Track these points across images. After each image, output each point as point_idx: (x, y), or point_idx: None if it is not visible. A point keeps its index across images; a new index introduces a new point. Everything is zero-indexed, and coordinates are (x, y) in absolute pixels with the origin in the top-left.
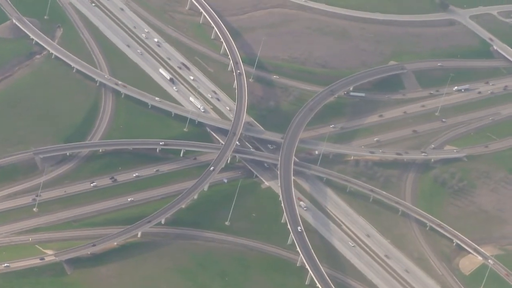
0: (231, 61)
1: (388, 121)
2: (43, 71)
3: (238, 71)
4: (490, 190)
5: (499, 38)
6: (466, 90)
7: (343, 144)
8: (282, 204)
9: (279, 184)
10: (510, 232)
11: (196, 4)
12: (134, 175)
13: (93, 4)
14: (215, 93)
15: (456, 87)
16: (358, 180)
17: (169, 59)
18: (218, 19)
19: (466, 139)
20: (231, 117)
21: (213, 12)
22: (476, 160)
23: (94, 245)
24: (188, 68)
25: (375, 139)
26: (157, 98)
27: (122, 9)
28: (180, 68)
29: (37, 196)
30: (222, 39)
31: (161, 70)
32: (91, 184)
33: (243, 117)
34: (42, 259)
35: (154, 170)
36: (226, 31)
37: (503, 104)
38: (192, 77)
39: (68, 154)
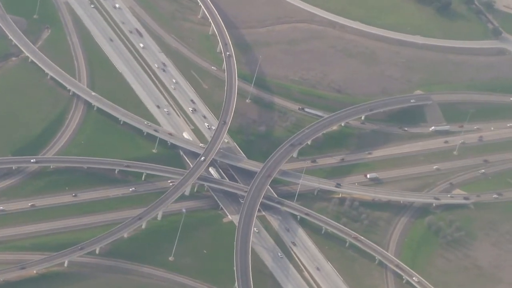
0: (226, 76)
1: (394, 157)
2: (14, 75)
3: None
4: (492, 244)
5: None
6: (446, 131)
7: (332, 179)
8: (235, 242)
9: (239, 220)
10: None
11: (206, 12)
12: (73, 195)
13: (92, 6)
14: (196, 109)
15: (433, 127)
16: (336, 222)
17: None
18: (225, 30)
19: (481, 183)
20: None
21: (222, 22)
22: (484, 208)
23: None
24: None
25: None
26: (146, 122)
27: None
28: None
29: None
30: (223, 53)
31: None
32: (29, 204)
33: (218, 146)
34: None
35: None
36: (230, 43)
37: None
38: (174, 81)
39: (13, 168)
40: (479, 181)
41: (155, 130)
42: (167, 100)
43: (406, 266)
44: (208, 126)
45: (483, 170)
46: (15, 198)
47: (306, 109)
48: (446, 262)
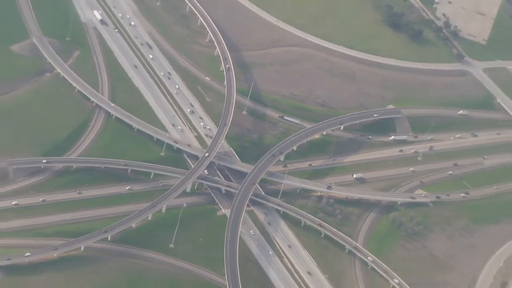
0: (226, 88)
1: (368, 162)
2: (47, 88)
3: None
4: (447, 236)
5: (506, 92)
6: (402, 140)
7: (314, 180)
8: (226, 231)
9: (230, 213)
10: (453, 279)
11: (212, 37)
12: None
13: (116, 30)
14: (202, 118)
15: (392, 137)
16: (313, 216)
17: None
18: (226, 49)
19: (440, 185)
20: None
21: (225, 45)
22: (442, 206)
23: (31, 255)
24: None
25: (354, 176)
26: (167, 134)
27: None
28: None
29: None
30: (224, 71)
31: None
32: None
33: (220, 143)
34: None
35: (127, 188)
36: (230, 58)
37: (490, 154)
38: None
39: (42, 167)
40: (440, 183)
41: (175, 142)
42: (175, 111)
43: (371, 254)
44: (207, 128)
45: (450, 172)
46: (42, 192)
47: (285, 117)
48: (406, 251)
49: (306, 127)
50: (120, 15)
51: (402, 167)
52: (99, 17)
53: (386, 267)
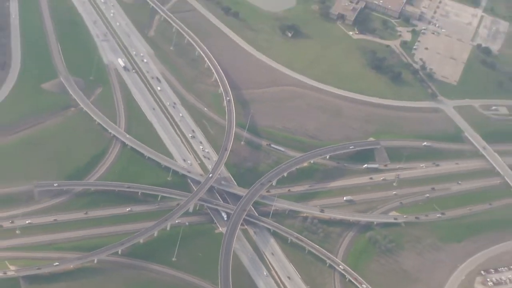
0: (226, 115)
1: (350, 186)
2: (71, 121)
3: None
4: (417, 253)
5: (472, 126)
6: (375, 169)
7: (300, 203)
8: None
9: (225, 231)
10: None
11: (217, 77)
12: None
13: (134, 71)
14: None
15: (365, 165)
16: (298, 234)
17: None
18: (227, 85)
19: (412, 207)
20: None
21: (227, 84)
22: (412, 226)
23: (50, 267)
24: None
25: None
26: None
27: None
28: (193, 137)
29: (11, 222)
30: (226, 106)
31: None
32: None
33: (222, 165)
34: (4, 273)
35: (127, 209)
36: (230, 92)
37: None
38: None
39: (64, 189)
40: (411, 206)
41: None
42: (182, 142)
43: (349, 269)
44: (206, 151)
45: (427, 195)
46: (65, 211)
47: (272, 145)
48: (380, 266)
49: (289, 154)
50: (138, 58)
51: (386, 191)
52: (122, 64)
53: (363, 280)
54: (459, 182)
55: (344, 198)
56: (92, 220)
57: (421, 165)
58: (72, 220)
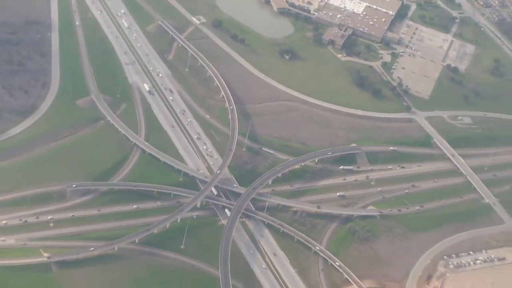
0: (230, 122)
1: (334, 185)
2: (100, 131)
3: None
4: (389, 241)
5: (440, 133)
6: (350, 170)
7: (291, 199)
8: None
9: (226, 223)
10: (390, 272)
11: (223, 93)
12: (134, 206)
13: (154, 89)
14: (212, 158)
15: (341, 166)
16: (288, 225)
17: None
18: (232, 100)
19: (387, 202)
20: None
21: (232, 99)
22: (387, 219)
23: (77, 253)
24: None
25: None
26: (201, 172)
27: (171, 91)
28: (198, 138)
29: (48, 217)
30: (230, 118)
31: None
32: (97, 211)
33: (227, 163)
34: (38, 258)
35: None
36: (233, 101)
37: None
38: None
39: (92, 189)
40: (386, 201)
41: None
42: (192, 147)
43: (331, 254)
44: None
45: (407, 191)
46: (91, 207)
47: (263, 148)
48: (358, 252)
49: (282, 158)
50: (158, 78)
51: (366, 189)
52: (147, 88)
53: (343, 264)
54: (435, 180)
55: (338, 194)
56: (114, 215)
57: (389, 167)
58: (97, 215)
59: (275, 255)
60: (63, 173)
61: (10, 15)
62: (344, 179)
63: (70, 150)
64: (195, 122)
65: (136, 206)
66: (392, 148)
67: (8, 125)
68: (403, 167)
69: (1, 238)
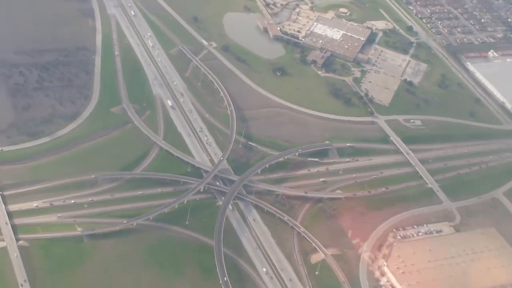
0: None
1: (311, 174)
2: (128, 133)
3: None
4: (351, 218)
5: (396, 133)
6: (316, 161)
7: (275, 185)
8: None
9: (222, 203)
10: (350, 242)
11: (226, 102)
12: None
13: (173, 101)
14: (215, 153)
15: (309, 158)
16: (271, 205)
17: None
18: (234, 110)
19: (351, 187)
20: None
21: (232, 105)
22: (351, 200)
23: (103, 228)
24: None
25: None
26: (192, 159)
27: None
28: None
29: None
30: (230, 120)
31: None
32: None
33: (228, 151)
34: (73, 232)
35: (159, 190)
36: (235, 116)
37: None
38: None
39: (118, 177)
40: (351, 186)
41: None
42: (200, 144)
43: (304, 229)
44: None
45: (374, 176)
46: (117, 192)
47: (249, 142)
48: (325, 226)
49: (270, 153)
50: (176, 92)
51: (339, 176)
52: (170, 104)
53: (312, 236)
54: (381, 172)
55: (321, 179)
56: (135, 197)
57: (355, 159)
58: (121, 198)
59: (259, 229)
60: (97, 165)
61: (65, 43)
62: (309, 170)
63: (104, 147)
64: (203, 125)
65: (154, 190)
66: (356, 144)
67: (57, 128)
68: (370, 159)
69: (47, 216)
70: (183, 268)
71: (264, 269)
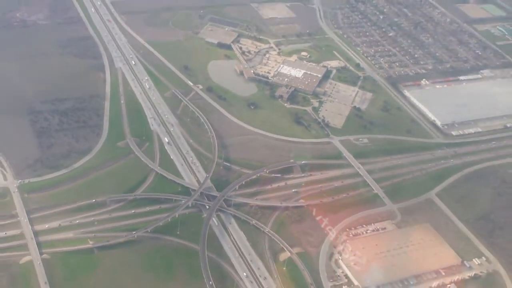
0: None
1: (280, 187)
2: (130, 162)
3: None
4: (311, 221)
5: (348, 150)
6: (279, 176)
7: (250, 198)
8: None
9: (206, 215)
10: (311, 241)
11: (209, 133)
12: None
13: (168, 137)
14: (199, 171)
15: (273, 174)
16: (246, 215)
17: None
18: (215, 138)
19: (312, 196)
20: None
21: (214, 135)
22: (312, 207)
23: (110, 241)
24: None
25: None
26: (183, 180)
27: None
28: (193, 163)
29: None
30: (212, 147)
31: None
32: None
33: (203, 185)
34: (86, 245)
35: (158, 207)
36: (217, 144)
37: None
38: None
39: (122, 198)
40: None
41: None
42: (188, 168)
43: (274, 233)
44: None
45: (335, 185)
46: (122, 211)
47: (224, 162)
48: (291, 229)
49: (245, 172)
50: (169, 125)
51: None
52: (167, 140)
53: (281, 238)
54: (342, 181)
55: (293, 190)
56: (136, 214)
57: (310, 174)
58: (125, 215)
59: (237, 234)
60: (106, 189)
61: (81, 92)
62: (286, 183)
63: (111, 175)
64: (191, 152)
65: (152, 208)
66: (315, 161)
67: (74, 161)
68: (326, 173)
69: (64, 233)
70: (176, 271)
71: (245, 274)
